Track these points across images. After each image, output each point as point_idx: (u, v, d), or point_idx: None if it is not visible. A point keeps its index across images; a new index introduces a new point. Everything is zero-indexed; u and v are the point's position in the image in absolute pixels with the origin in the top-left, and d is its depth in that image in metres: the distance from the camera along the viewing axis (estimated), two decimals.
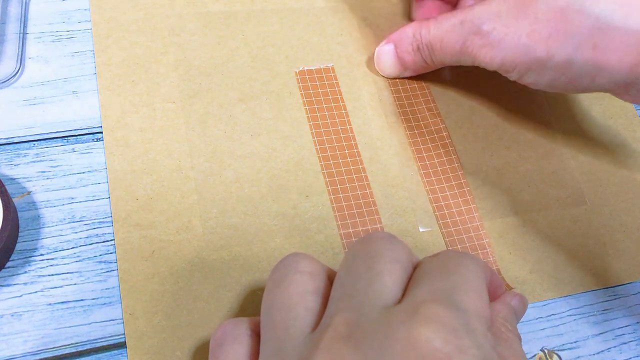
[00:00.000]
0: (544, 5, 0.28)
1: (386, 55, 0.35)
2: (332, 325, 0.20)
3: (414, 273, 0.23)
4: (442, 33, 0.32)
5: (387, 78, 0.36)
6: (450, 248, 0.32)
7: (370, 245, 0.23)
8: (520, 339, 0.24)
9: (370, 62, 0.36)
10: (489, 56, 0.30)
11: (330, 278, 0.24)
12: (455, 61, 0.33)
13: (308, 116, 0.34)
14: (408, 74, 0.36)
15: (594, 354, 0.31)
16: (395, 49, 0.35)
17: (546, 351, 0.30)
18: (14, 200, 0.29)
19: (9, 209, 0.26)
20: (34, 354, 0.26)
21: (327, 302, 0.22)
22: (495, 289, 0.25)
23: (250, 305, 0.28)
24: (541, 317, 0.31)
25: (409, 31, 0.34)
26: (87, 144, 0.31)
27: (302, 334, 0.21)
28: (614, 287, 0.33)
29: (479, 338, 0.20)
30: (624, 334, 0.32)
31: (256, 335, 0.23)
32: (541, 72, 0.29)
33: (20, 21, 0.33)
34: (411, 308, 0.20)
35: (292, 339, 0.21)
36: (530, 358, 0.30)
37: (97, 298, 0.27)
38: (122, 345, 0.27)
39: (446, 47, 0.32)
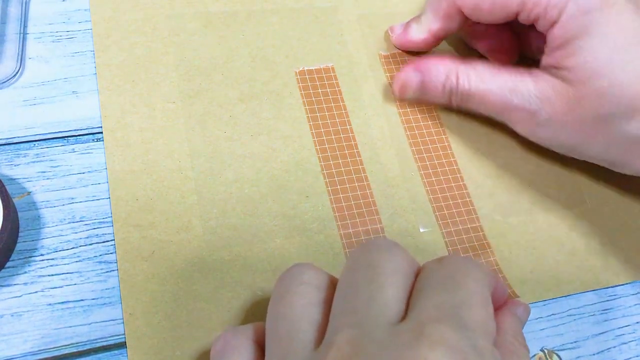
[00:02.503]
0: (590, 110, 0.29)
1: (410, 83, 0.34)
2: (335, 344, 0.20)
3: (418, 281, 0.23)
4: (486, 91, 0.32)
5: (388, 77, 0.36)
6: (452, 250, 0.32)
7: (370, 254, 0.23)
8: (528, 351, 0.24)
9: (370, 62, 0.36)
10: (532, 130, 0.32)
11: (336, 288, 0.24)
12: (487, 114, 0.33)
13: (308, 116, 0.34)
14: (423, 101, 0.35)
15: (593, 354, 0.31)
16: (421, 80, 0.34)
17: (546, 351, 0.30)
18: (14, 200, 0.29)
19: (9, 209, 0.26)
20: (34, 354, 0.26)
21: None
22: (500, 297, 0.25)
23: (250, 305, 0.28)
24: (541, 317, 0.31)
25: (441, 69, 0.33)
26: (87, 144, 0.31)
27: (306, 348, 0.21)
28: (614, 287, 0.33)
29: (486, 359, 0.19)
30: (623, 334, 0.32)
31: (257, 345, 0.23)
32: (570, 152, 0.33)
33: (20, 21, 0.33)
34: (417, 328, 0.20)
35: (296, 353, 0.21)
36: (530, 358, 0.30)
37: (97, 298, 0.27)
38: (122, 345, 0.27)
39: (486, 105, 0.32)
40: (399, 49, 0.37)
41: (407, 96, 0.35)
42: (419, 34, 0.36)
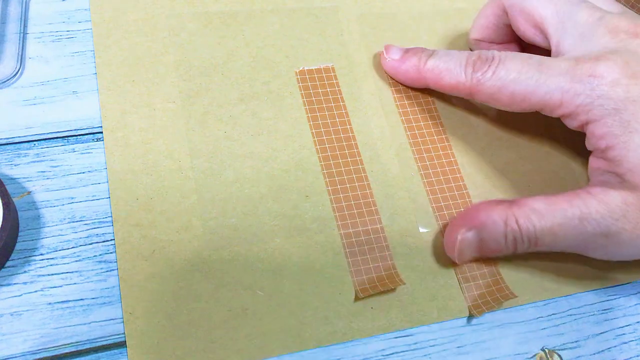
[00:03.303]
0: None
1: (469, 245, 0.30)
2: None
3: None
4: (555, 227, 0.28)
5: (388, 77, 0.36)
6: None
7: None
8: None
9: (370, 62, 0.36)
10: (613, 253, 0.29)
11: None
12: (560, 251, 0.30)
13: (308, 116, 0.34)
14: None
15: (594, 354, 0.31)
16: (478, 237, 0.30)
17: (547, 351, 0.30)
18: (14, 200, 0.29)
19: (9, 208, 0.26)
20: (33, 353, 0.26)
21: None
22: None
23: (251, 305, 0.28)
24: (542, 317, 0.31)
25: (497, 218, 0.29)
26: (87, 144, 0.31)
27: None
28: (614, 286, 0.33)
29: None
30: (624, 334, 0.32)
31: None
32: None
33: (20, 21, 0.33)
34: None
35: None
36: (530, 358, 0.30)
37: (97, 297, 0.27)
38: (122, 344, 0.27)
39: (560, 243, 0.29)
40: (389, 74, 0.36)
41: (467, 259, 0.31)
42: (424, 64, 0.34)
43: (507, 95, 0.30)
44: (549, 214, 0.28)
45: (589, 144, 0.30)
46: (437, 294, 0.30)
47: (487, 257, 0.31)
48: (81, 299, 0.27)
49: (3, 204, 0.26)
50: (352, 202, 0.32)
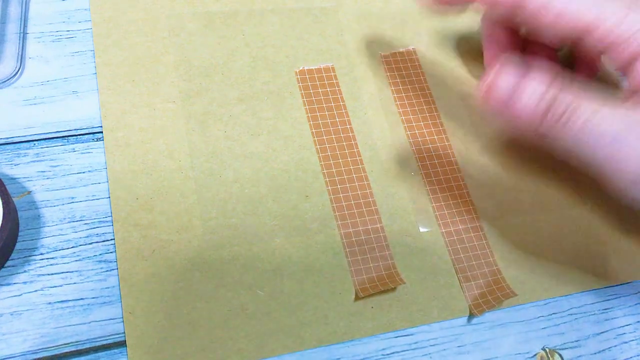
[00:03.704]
0: None
1: (505, 81, 0.27)
2: None
3: None
4: (597, 108, 0.26)
5: (388, 77, 0.36)
6: (452, 250, 0.32)
7: None
8: None
9: (370, 62, 0.36)
10: (622, 161, 0.26)
11: None
12: (569, 157, 0.27)
13: (308, 116, 0.34)
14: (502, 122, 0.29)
15: (594, 353, 0.31)
16: (516, 81, 0.27)
17: (547, 350, 0.30)
18: (14, 199, 0.29)
19: (9, 208, 0.26)
20: (33, 352, 0.26)
21: None
22: None
23: (251, 305, 0.28)
24: (542, 316, 0.31)
25: (545, 79, 0.27)
26: (87, 144, 0.31)
27: None
28: (614, 286, 0.33)
29: None
30: (624, 333, 0.32)
31: None
32: None
33: (20, 21, 0.33)
34: None
35: None
36: (531, 357, 0.30)
37: (97, 297, 0.27)
38: (121, 344, 0.27)
39: (590, 134, 0.26)
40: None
41: (493, 97, 0.27)
42: None
43: (555, 13, 0.28)
44: (598, 103, 0.26)
45: (634, 83, 0.27)
46: (437, 294, 0.30)
47: (506, 116, 0.27)
48: (81, 299, 0.27)
49: (3, 204, 0.26)
50: (352, 202, 0.32)
